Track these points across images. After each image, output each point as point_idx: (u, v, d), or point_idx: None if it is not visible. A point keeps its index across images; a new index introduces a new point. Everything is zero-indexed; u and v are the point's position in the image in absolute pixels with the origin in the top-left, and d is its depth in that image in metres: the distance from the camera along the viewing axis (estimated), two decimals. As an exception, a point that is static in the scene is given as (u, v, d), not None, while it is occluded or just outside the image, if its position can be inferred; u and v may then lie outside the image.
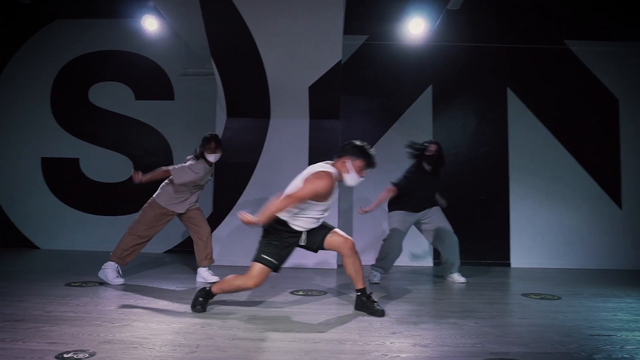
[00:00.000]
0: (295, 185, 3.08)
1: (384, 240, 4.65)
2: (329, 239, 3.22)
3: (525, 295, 4.07)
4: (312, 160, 5.43)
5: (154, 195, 4.28)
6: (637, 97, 6.13)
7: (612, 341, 2.70)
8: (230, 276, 3.22)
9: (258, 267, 3.11)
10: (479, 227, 6.02)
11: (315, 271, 5.17)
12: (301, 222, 3.15)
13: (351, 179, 3.15)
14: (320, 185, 2.99)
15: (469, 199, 6.03)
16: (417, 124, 6.15)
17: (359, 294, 3.32)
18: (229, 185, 5.60)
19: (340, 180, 3.19)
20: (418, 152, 4.64)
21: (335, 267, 5.44)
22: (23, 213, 6.75)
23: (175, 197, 4.22)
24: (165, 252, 6.46)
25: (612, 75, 6.13)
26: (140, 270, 4.93)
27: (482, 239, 6.01)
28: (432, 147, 4.59)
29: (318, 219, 3.20)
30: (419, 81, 6.19)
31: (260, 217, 2.93)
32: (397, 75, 6.17)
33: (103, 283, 4.13)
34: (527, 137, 6.13)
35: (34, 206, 6.72)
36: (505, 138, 6.13)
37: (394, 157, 5.51)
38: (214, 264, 4.56)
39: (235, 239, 5.53)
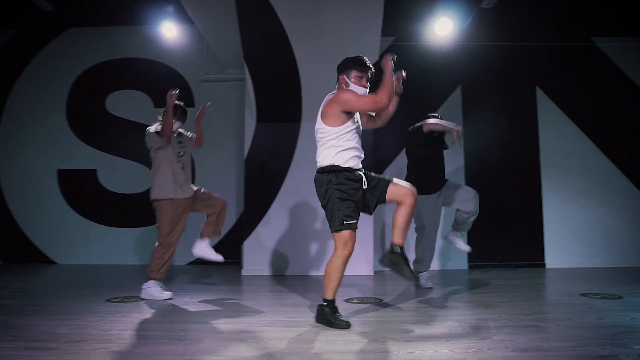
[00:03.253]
0: (328, 109, 3.04)
1: (425, 235, 4.45)
2: (392, 189, 3.08)
3: (584, 295, 3.95)
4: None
5: (153, 197, 3.98)
6: (666, 92, 6.11)
7: None
8: (331, 264, 3.00)
9: (346, 234, 2.96)
10: (511, 228, 5.93)
11: (352, 278, 4.98)
12: (348, 157, 3.03)
13: (356, 90, 3.09)
14: (351, 93, 3.02)
15: (500, 200, 5.93)
16: (447, 125, 6.06)
17: (397, 249, 3.03)
18: (260, 190, 5.44)
19: None
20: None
21: (372, 273, 5.30)
22: (39, 227, 6.49)
23: (172, 181, 3.95)
24: (187, 264, 6.26)
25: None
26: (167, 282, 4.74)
27: (515, 239, 5.91)
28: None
29: (358, 148, 3.11)
30: (447, 82, 6.12)
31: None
32: (425, 76, 6.04)
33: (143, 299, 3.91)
34: (557, 135, 6.07)
35: (50, 220, 6.47)
36: (536, 137, 6.07)
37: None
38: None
39: (266, 249, 5.37)
